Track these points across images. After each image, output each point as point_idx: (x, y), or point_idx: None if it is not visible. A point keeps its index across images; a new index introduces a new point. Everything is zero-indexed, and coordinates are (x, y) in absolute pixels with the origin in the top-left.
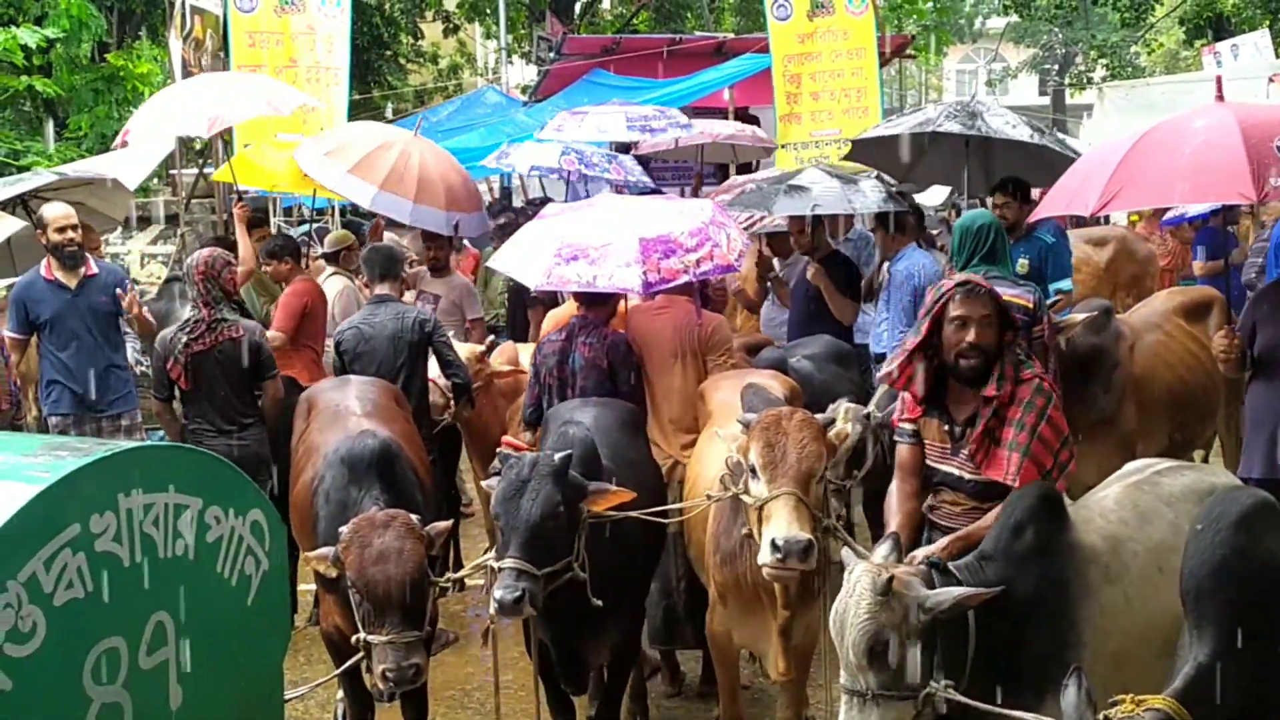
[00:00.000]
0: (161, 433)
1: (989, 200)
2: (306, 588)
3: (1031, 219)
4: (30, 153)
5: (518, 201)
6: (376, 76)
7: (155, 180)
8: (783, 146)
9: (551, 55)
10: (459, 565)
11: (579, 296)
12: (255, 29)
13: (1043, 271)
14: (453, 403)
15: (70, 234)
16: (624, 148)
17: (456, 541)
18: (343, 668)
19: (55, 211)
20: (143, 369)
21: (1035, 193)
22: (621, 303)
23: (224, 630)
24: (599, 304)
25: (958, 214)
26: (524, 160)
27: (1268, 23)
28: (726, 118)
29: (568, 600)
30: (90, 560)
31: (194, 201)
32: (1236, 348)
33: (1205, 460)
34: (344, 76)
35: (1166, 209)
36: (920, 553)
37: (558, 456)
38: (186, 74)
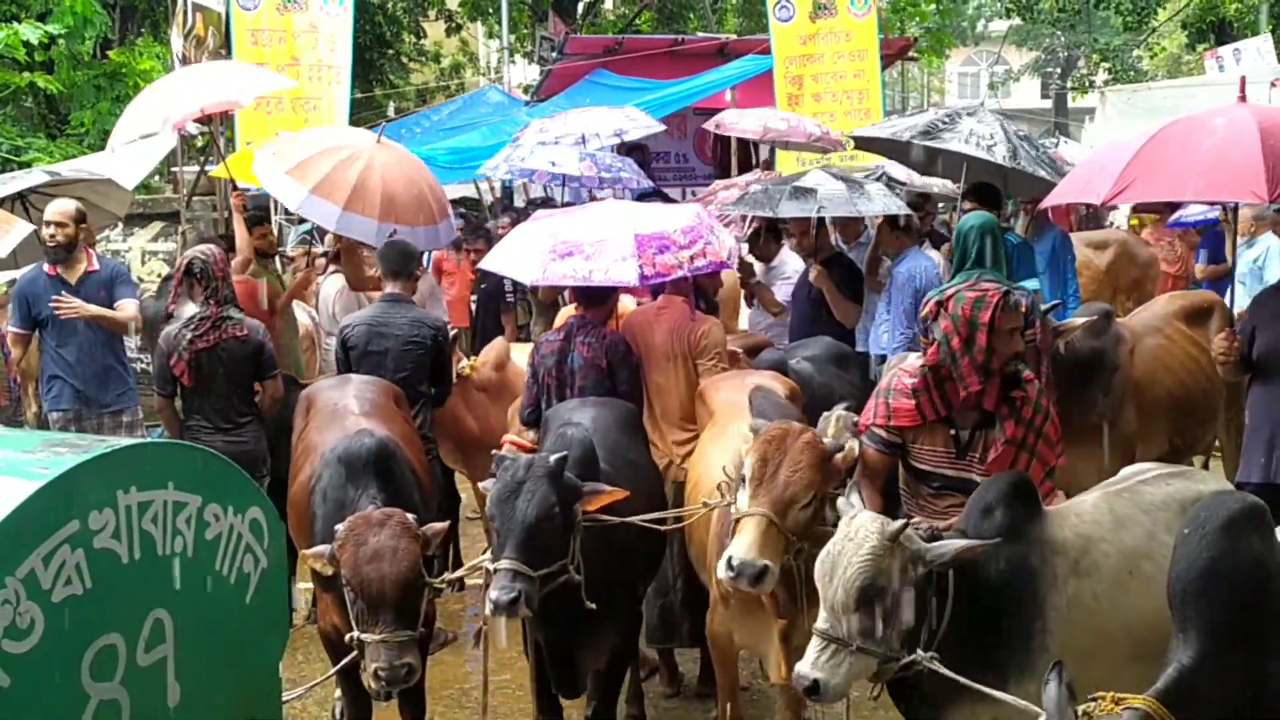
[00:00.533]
0: (160, 429)
1: (960, 205)
2: (305, 586)
3: (1041, 206)
4: (32, 149)
5: (519, 201)
6: (378, 75)
7: (157, 177)
8: (784, 148)
9: (554, 55)
10: (458, 565)
11: (577, 297)
12: (257, 26)
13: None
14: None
15: (54, 230)
16: (629, 149)
17: (456, 541)
18: (338, 666)
19: (54, 205)
20: (142, 366)
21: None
22: (620, 303)
23: (222, 628)
24: (597, 304)
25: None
26: (542, 161)
27: (1270, 27)
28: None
29: (563, 603)
30: (89, 557)
31: (195, 199)
32: (1236, 350)
33: (1205, 465)
34: (346, 75)
35: (1171, 214)
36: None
37: (553, 458)
38: None
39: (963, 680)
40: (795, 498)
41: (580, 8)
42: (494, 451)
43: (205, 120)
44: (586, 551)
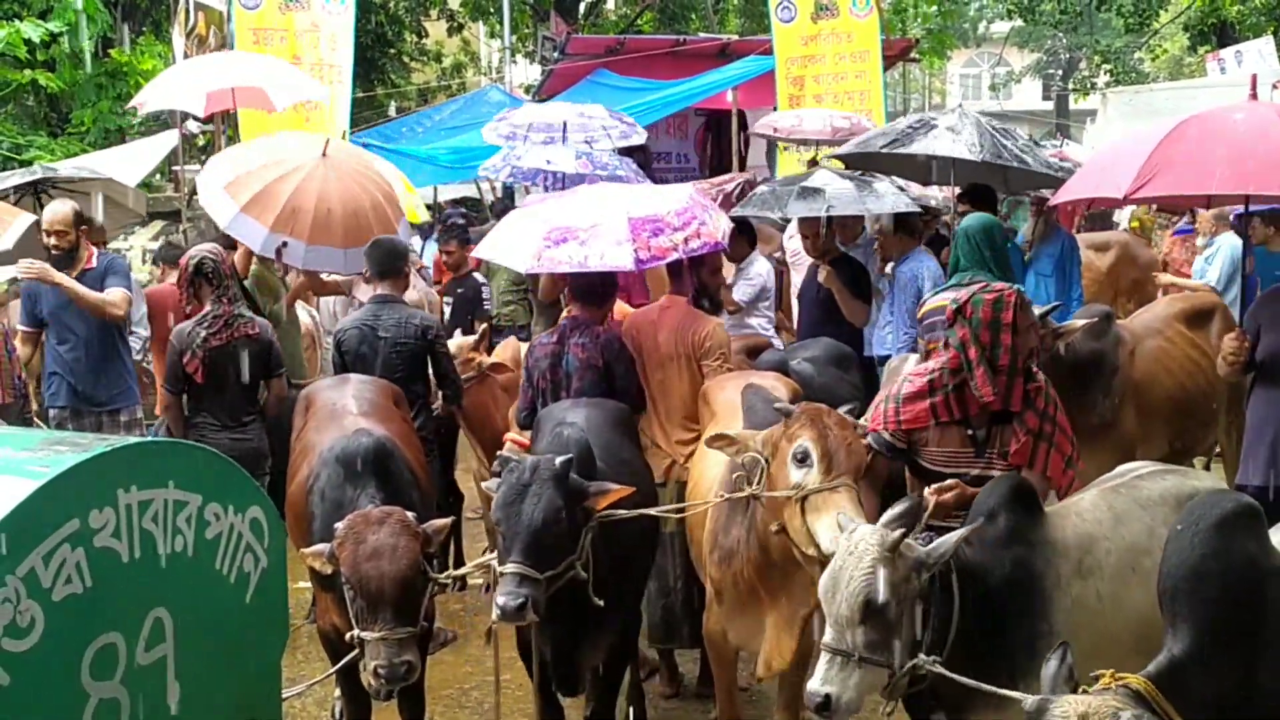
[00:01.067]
0: (155, 427)
1: (956, 208)
2: (304, 585)
3: (1053, 201)
4: (33, 147)
5: (520, 201)
6: (380, 74)
7: (158, 176)
8: (784, 149)
9: (555, 55)
10: (460, 563)
11: (576, 296)
12: (259, 25)
13: None
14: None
15: (54, 239)
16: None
17: (459, 540)
18: (338, 665)
19: (49, 213)
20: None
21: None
22: (619, 304)
23: (222, 627)
24: (596, 305)
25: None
26: (538, 160)
27: (1272, 30)
28: (730, 119)
29: (564, 602)
30: (89, 556)
31: (196, 198)
32: (1245, 351)
33: (1207, 467)
34: (347, 74)
35: (1180, 219)
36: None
37: (559, 460)
38: None
39: (965, 681)
40: (861, 468)
41: (582, 8)
42: (498, 452)
43: (208, 119)
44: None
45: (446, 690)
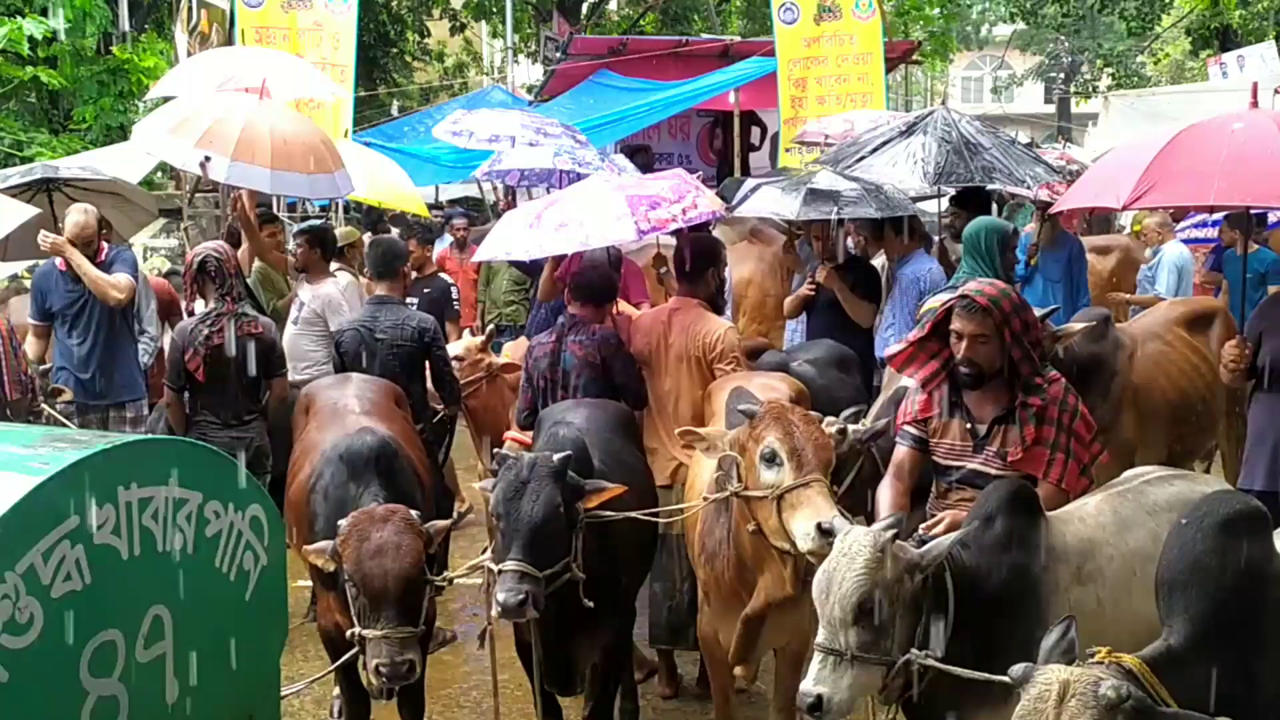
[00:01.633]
0: (149, 418)
1: (945, 214)
2: (303, 583)
3: (1055, 209)
4: (34, 144)
5: (522, 200)
6: (383, 74)
7: (159, 174)
8: (786, 150)
9: (558, 55)
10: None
11: (575, 295)
12: (262, 24)
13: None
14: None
15: (83, 249)
16: (632, 150)
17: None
18: (338, 663)
19: (73, 221)
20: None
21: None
22: (623, 305)
23: (222, 625)
24: (596, 304)
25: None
26: (519, 163)
27: (1274, 34)
28: (731, 120)
29: (558, 602)
30: (88, 553)
31: (197, 195)
32: (1247, 358)
33: (1207, 471)
34: (350, 74)
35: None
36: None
37: (557, 457)
38: None
39: (958, 671)
40: (829, 461)
41: (585, 8)
42: (495, 450)
43: None
44: (581, 549)
45: (445, 690)
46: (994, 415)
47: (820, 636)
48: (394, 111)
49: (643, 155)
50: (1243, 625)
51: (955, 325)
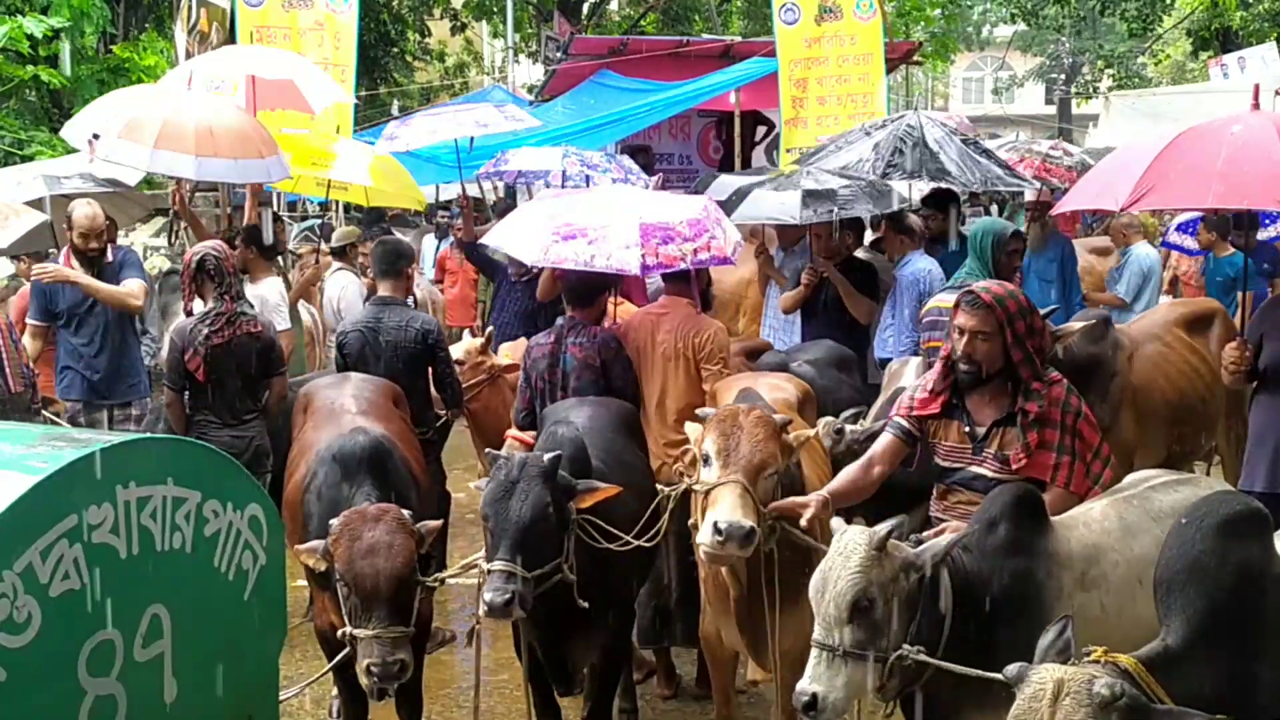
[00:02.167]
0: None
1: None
2: (302, 583)
3: (1054, 211)
4: (35, 143)
5: (521, 198)
6: (383, 73)
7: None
8: (787, 150)
9: (559, 55)
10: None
11: (566, 297)
12: (262, 23)
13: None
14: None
15: (93, 242)
16: (633, 150)
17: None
18: (333, 663)
19: (82, 215)
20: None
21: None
22: (614, 304)
23: (220, 624)
24: (587, 304)
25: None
26: (523, 163)
27: (1275, 36)
28: (733, 120)
29: (554, 602)
30: (87, 552)
31: (197, 194)
32: (1248, 360)
33: (1207, 473)
34: (351, 73)
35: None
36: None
37: (547, 457)
38: None
39: (952, 667)
40: (763, 464)
41: (585, 8)
42: (488, 450)
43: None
44: (576, 549)
45: (444, 690)
46: (993, 418)
47: (816, 633)
48: (394, 111)
49: (643, 155)
50: (1241, 626)
51: (958, 320)
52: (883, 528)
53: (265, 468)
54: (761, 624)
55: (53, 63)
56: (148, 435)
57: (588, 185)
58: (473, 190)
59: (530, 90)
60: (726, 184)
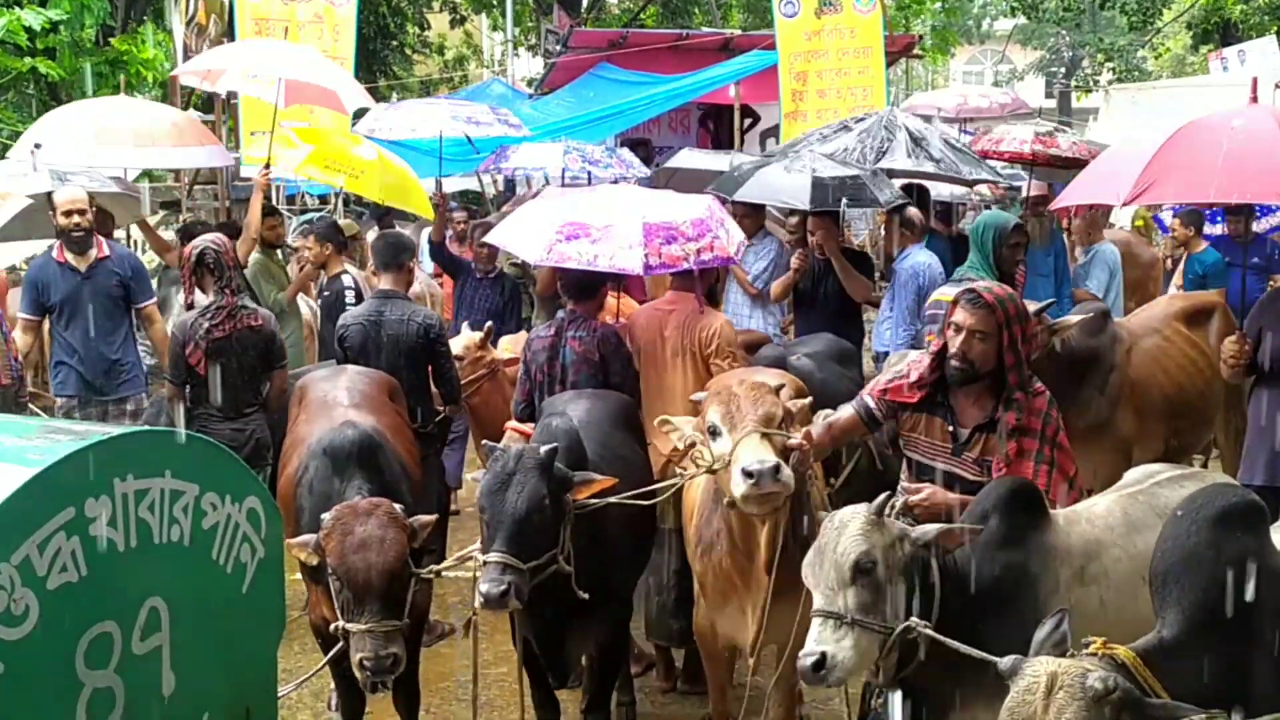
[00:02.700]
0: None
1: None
2: (299, 577)
3: (1054, 206)
4: None
5: (520, 189)
6: (382, 66)
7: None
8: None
9: (558, 48)
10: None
11: (565, 291)
12: (261, 15)
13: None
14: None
15: (76, 219)
16: (633, 144)
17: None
18: (328, 657)
19: (63, 195)
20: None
21: None
22: (617, 297)
23: (218, 617)
24: (587, 298)
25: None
26: (526, 160)
27: (1275, 29)
28: (732, 114)
29: (551, 593)
30: (84, 544)
31: (196, 187)
32: (1247, 354)
33: (1205, 466)
34: (350, 66)
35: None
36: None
37: (543, 449)
38: (188, 59)
39: (957, 645)
40: (769, 416)
41: (585, 2)
42: (485, 442)
43: (208, 108)
44: (572, 541)
45: (442, 683)
46: (977, 421)
47: (818, 602)
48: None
49: (643, 149)
50: (1237, 618)
51: (957, 317)
52: (876, 501)
53: (265, 461)
54: (774, 613)
55: (51, 55)
56: (146, 428)
57: (590, 182)
58: (471, 184)
59: (530, 83)
60: (689, 157)
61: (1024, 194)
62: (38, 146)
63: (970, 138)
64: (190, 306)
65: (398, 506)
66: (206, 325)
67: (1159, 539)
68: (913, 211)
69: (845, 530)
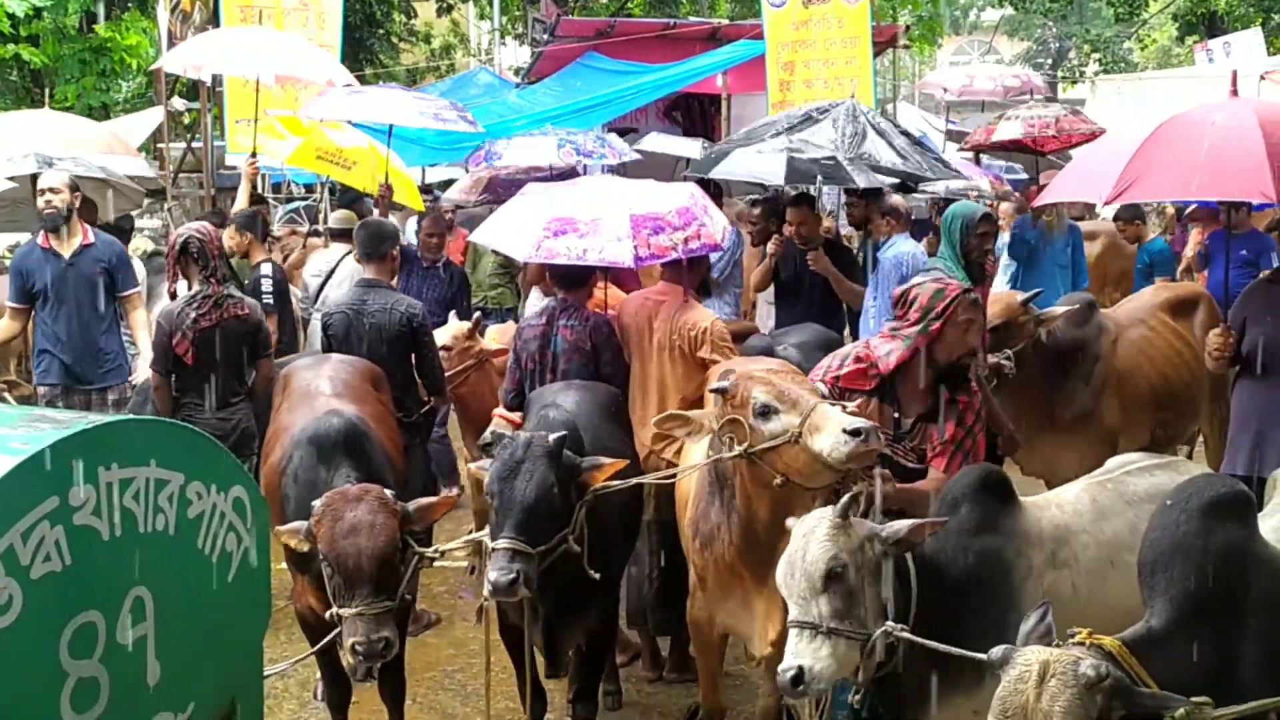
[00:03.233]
0: (130, 401)
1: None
2: (279, 567)
3: (1035, 204)
4: None
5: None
6: (368, 54)
7: (143, 154)
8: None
9: (545, 37)
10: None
11: (555, 280)
12: (246, 3)
13: None
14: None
15: (50, 196)
16: (620, 133)
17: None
18: (318, 645)
19: (42, 177)
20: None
21: None
22: (604, 288)
23: (204, 607)
24: (577, 287)
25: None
26: (519, 158)
27: (1260, 21)
28: (719, 104)
29: (551, 579)
30: (68, 533)
31: (181, 175)
32: (1231, 345)
33: (1190, 457)
34: (336, 54)
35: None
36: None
37: (552, 437)
38: (172, 46)
39: (937, 645)
40: (816, 390)
41: None
42: (492, 429)
43: (194, 95)
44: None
45: (429, 672)
46: (919, 411)
47: (792, 613)
48: None
49: (631, 138)
50: (1224, 608)
51: (964, 316)
52: (840, 502)
53: (252, 450)
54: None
55: (34, 42)
56: (130, 417)
57: (585, 173)
58: (458, 173)
59: (517, 72)
60: (657, 141)
61: (1037, 183)
62: (49, 164)
63: (958, 126)
64: (174, 295)
65: (388, 491)
66: (193, 315)
67: (1147, 529)
68: (897, 199)
69: (813, 537)
